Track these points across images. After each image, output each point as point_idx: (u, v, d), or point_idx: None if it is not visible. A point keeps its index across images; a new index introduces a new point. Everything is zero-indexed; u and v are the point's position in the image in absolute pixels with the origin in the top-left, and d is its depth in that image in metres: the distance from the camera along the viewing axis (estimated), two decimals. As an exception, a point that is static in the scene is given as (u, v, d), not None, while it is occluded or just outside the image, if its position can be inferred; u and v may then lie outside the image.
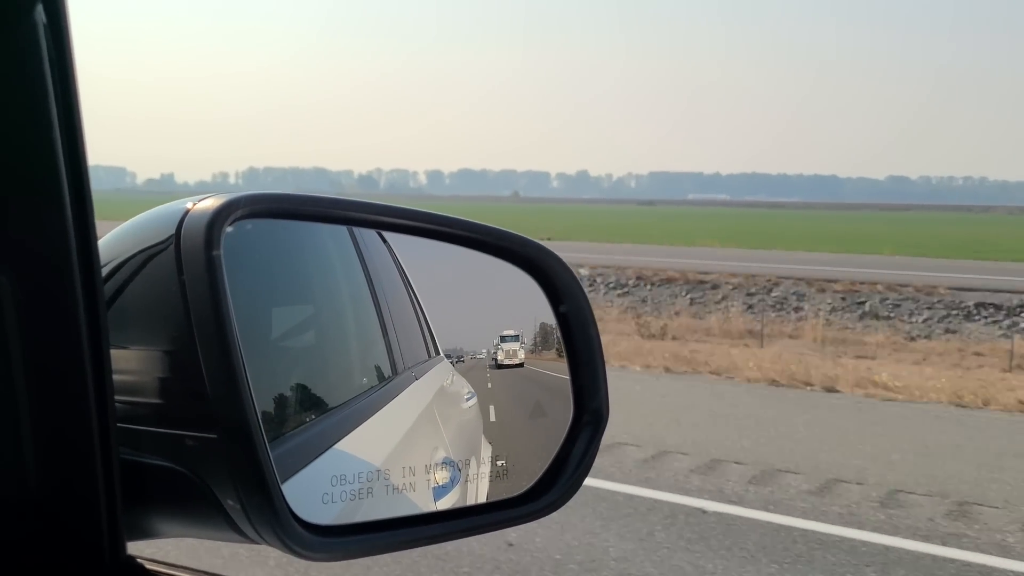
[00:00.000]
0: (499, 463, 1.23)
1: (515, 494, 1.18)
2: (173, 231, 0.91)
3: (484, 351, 1.23)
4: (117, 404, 0.90)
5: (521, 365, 1.22)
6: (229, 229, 0.92)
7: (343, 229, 1.23)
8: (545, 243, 1.15)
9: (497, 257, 1.19)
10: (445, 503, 1.15)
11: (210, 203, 0.93)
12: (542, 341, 1.21)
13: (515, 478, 1.20)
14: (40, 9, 0.79)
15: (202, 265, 0.88)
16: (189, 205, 0.94)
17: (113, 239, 0.99)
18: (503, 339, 1.23)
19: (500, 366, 1.21)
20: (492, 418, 1.26)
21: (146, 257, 0.93)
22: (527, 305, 1.20)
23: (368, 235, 1.27)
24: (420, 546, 1.10)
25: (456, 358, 1.28)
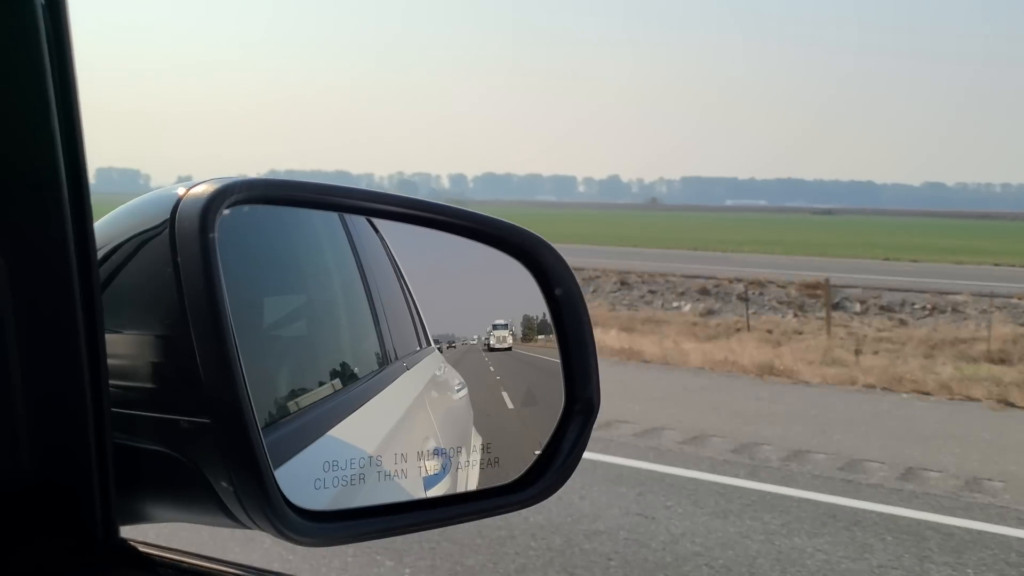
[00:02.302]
0: (489, 451, 1.24)
1: (506, 482, 1.19)
2: (168, 216, 0.91)
3: (476, 337, 1.29)
4: (111, 389, 0.90)
5: (510, 349, 1.28)
6: (226, 212, 0.92)
7: (335, 218, 1.24)
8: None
9: (490, 246, 1.20)
10: (435, 492, 1.16)
11: (204, 188, 0.93)
12: (527, 330, 1.27)
13: (507, 464, 1.21)
14: None
15: (197, 249, 0.88)
16: (182, 191, 0.94)
17: (108, 224, 1.00)
18: (495, 327, 1.28)
19: (492, 349, 1.28)
20: (509, 405, 1.31)
21: (140, 242, 0.93)
22: (515, 293, 1.24)
23: (359, 224, 1.29)
24: (410, 532, 1.11)
25: (448, 343, 1.32)
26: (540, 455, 1.19)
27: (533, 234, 1.20)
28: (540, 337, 1.25)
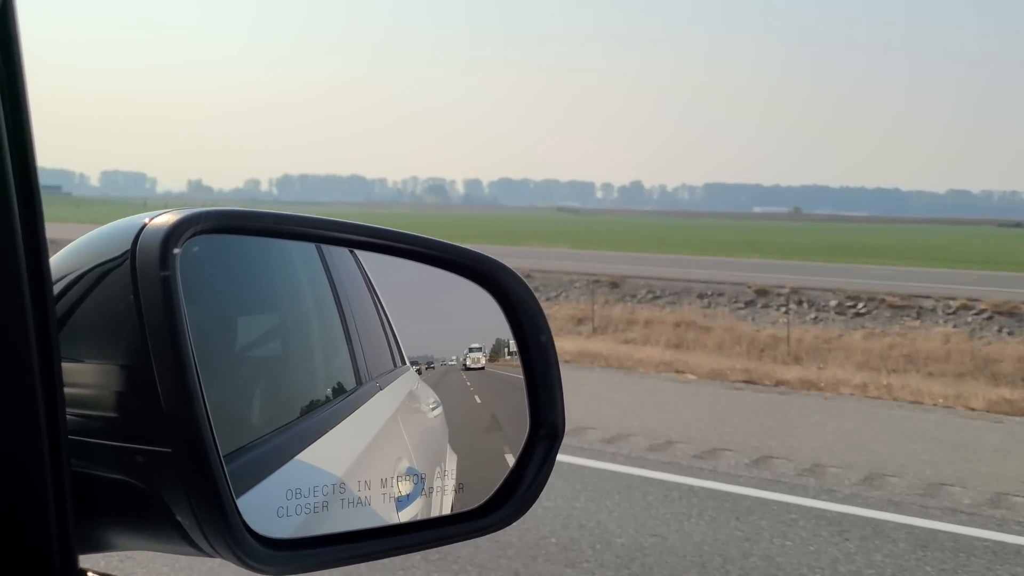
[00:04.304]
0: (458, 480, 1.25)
1: (470, 507, 1.20)
2: (129, 247, 0.92)
3: (454, 358, 1.34)
4: (71, 417, 0.91)
5: (483, 368, 1.33)
6: (179, 250, 0.93)
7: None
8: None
9: (453, 272, 1.21)
10: (408, 513, 1.18)
11: (166, 219, 0.94)
12: (493, 352, 1.32)
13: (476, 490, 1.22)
14: None
15: (156, 283, 0.89)
16: (146, 220, 0.95)
17: (71, 251, 1.00)
18: (471, 349, 1.33)
19: (468, 369, 1.33)
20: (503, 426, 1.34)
21: (102, 272, 0.94)
22: (491, 316, 1.27)
23: (335, 247, 1.29)
24: (375, 559, 1.12)
25: (427, 364, 1.35)
26: (505, 480, 1.20)
27: (496, 261, 1.21)
28: (507, 357, 1.28)
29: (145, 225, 0.94)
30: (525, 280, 1.20)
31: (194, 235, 0.95)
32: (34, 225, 0.87)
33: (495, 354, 1.29)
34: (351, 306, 1.38)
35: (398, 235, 1.17)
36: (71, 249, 1.01)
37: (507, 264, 1.21)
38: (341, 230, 1.15)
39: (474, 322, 1.31)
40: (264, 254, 1.17)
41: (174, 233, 0.92)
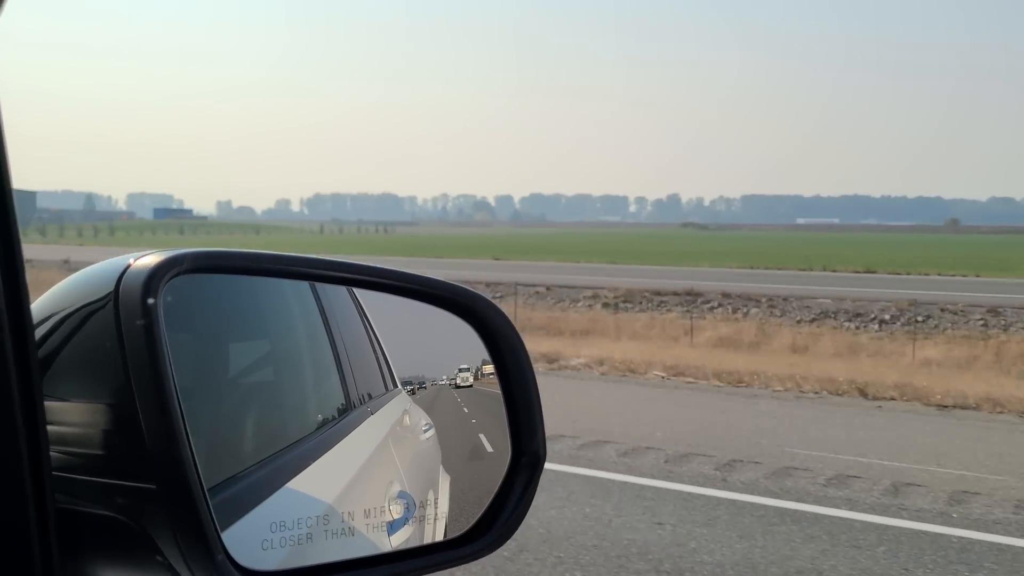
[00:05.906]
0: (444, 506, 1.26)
1: (454, 535, 1.21)
2: (112, 288, 0.94)
3: (444, 378, 1.38)
4: (57, 455, 0.92)
5: (471, 386, 1.37)
6: (152, 300, 0.94)
7: None
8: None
9: (433, 305, 1.23)
10: (400, 536, 1.19)
11: (149, 261, 0.96)
12: (477, 373, 1.36)
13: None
14: None
15: (139, 326, 0.91)
16: (131, 261, 0.97)
17: (58, 291, 1.02)
18: (460, 370, 1.37)
19: (458, 387, 1.38)
20: (489, 449, 1.36)
21: (87, 313, 0.96)
22: (474, 340, 1.30)
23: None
24: None
25: (419, 384, 1.38)
26: (488, 507, 1.21)
27: (479, 295, 1.23)
28: (489, 376, 1.30)
29: (129, 267, 0.96)
30: (503, 310, 1.22)
31: (176, 276, 0.97)
32: (12, 258, 0.87)
33: (479, 374, 1.33)
34: (341, 332, 1.40)
35: (377, 271, 1.19)
36: (58, 289, 1.03)
37: (486, 295, 1.22)
38: (323, 267, 1.17)
39: (463, 344, 1.32)
40: (256, 284, 1.19)
41: (155, 275, 0.94)
